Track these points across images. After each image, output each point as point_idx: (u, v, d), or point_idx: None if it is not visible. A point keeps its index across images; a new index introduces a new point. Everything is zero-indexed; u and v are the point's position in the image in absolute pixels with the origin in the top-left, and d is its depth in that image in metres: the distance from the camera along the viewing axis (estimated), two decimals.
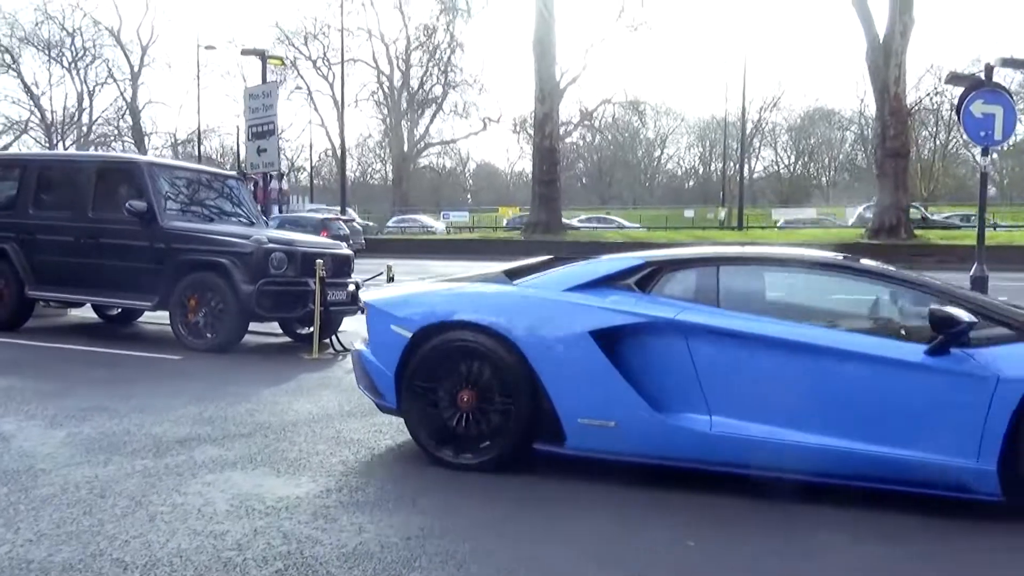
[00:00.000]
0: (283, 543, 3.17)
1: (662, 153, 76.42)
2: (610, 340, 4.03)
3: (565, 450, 4.10)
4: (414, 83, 59.14)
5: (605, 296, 4.18)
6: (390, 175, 65.89)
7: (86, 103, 58.27)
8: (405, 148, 59.46)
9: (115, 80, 57.91)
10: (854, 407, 3.71)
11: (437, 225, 47.64)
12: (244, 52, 18.09)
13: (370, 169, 74.39)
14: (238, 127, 56.05)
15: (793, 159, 72.47)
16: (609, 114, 64.82)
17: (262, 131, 12.09)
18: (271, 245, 8.00)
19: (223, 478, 3.98)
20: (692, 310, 4.01)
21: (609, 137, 71.05)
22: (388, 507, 3.63)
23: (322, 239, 10.63)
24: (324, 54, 55.85)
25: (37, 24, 54.11)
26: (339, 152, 58.80)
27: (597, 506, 3.73)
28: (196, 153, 49.08)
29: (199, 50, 45.52)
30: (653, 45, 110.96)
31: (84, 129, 57.94)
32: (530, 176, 32.94)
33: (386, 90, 58.72)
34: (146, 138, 58.79)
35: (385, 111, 59.96)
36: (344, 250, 9.00)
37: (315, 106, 56.56)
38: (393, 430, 4.89)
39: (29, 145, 54.55)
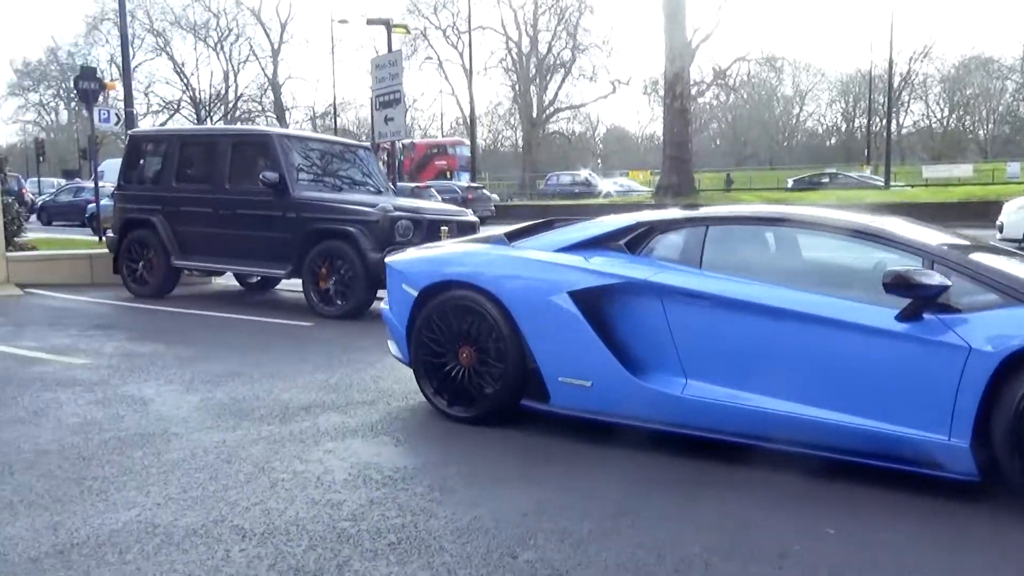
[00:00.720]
0: (398, 515, 3.12)
1: (801, 110, 73.19)
2: (590, 301, 4.03)
3: (550, 408, 4.17)
4: (542, 48, 58.79)
5: (590, 257, 4.18)
6: (520, 142, 66.01)
7: (231, 81, 61.14)
8: (534, 114, 59.30)
9: (257, 58, 60.51)
10: (824, 374, 3.50)
11: (603, 186, 44.39)
12: (370, 22, 18.35)
13: (500, 136, 74.72)
14: (371, 99, 57.56)
15: (946, 112, 67.76)
16: (744, 72, 62.55)
17: (389, 100, 12.21)
18: (397, 213, 8.05)
19: (344, 446, 3.99)
20: (669, 271, 3.94)
21: (744, 96, 68.48)
22: (506, 481, 3.52)
23: (449, 206, 10.64)
24: (453, 23, 56.37)
25: (185, 7, 57.05)
26: (469, 120, 59.41)
27: (729, 489, 3.49)
28: (333, 126, 50.59)
29: (333, 24, 46.67)
30: None
31: (230, 106, 60.77)
32: (661, 139, 32.11)
33: (514, 56, 58.65)
34: (287, 112, 61.12)
35: (514, 77, 59.96)
36: (470, 216, 8.96)
37: (445, 75, 57.32)
38: None
39: (181, 123, 57.74)
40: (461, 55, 57.04)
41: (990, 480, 3.22)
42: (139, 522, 3.03)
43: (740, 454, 3.69)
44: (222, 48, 59.81)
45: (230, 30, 59.00)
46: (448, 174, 41.56)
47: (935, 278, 3.25)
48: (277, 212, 8.41)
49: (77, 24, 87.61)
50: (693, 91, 37.01)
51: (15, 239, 11.26)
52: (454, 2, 55.24)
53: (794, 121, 73.59)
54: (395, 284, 4.78)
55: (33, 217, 25.33)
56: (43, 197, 31.75)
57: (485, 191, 31.78)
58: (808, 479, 3.50)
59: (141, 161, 9.81)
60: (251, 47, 60.14)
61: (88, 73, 13.62)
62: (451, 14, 56.20)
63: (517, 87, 59.95)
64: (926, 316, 3.28)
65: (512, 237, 4.64)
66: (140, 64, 55.20)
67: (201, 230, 8.97)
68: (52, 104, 66.26)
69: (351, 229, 7.98)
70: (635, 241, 4.20)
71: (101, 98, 13.85)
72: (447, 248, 4.88)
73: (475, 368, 4.32)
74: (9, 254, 10.48)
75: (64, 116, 66.90)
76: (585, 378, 4.01)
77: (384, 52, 16.66)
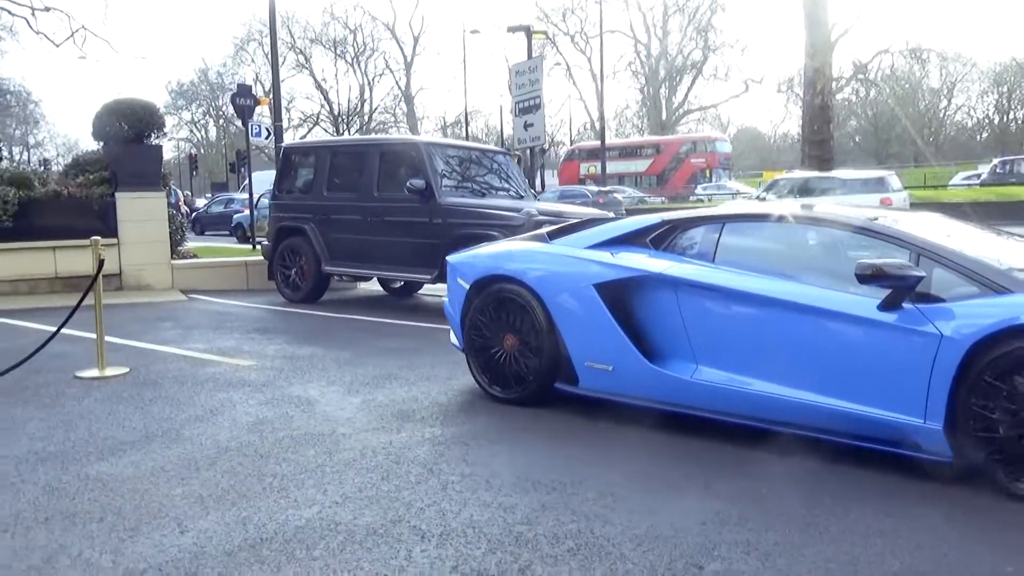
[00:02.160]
0: (572, 520, 3.06)
1: (949, 104, 69.01)
2: (613, 292, 4.40)
3: (578, 390, 4.57)
4: (672, 50, 58.00)
5: (617, 252, 4.55)
6: None
7: (367, 94, 63.25)
8: (663, 116, 58.55)
9: (391, 71, 62.48)
10: (815, 360, 3.72)
11: (750, 191, 43.36)
12: (510, 29, 18.53)
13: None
14: (501, 107, 58.15)
15: None
16: (886, 65, 59.66)
17: (528, 106, 12.28)
18: (541, 217, 8.04)
19: (506, 449, 3.98)
20: (683, 264, 4.27)
21: (886, 91, 65.28)
22: (680, 489, 3.42)
23: (591, 210, 10.58)
24: (581, 28, 56.38)
25: (325, 25, 59.53)
26: (597, 125, 59.18)
27: (923, 503, 3.26)
28: (464, 134, 51.53)
29: (465, 35, 47.59)
30: None
31: (365, 118, 62.90)
32: (796, 138, 30.96)
33: (643, 59, 58.16)
34: (419, 123, 62.71)
35: (642, 80, 59.42)
36: (611, 218, 8.86)
37: (573, 80, 57.44)
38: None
39: (320, 135, 60.18)
40: (589, 60, 57.11)
41: (962, 461, 3.32)
42: (321, 519, 3.10)
43: (945, 468, 3.45)
44: (358, 63, 62.03)
45: (366, 45, 61.14)
46: (707, 173, 39.87)
47: (906, 269, 3.44)
48: (423, 218, 8.57)
49: (226, 46, 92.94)
50: (832, 87, 35.46)
51: (178, 248, 11.95)
52: (583, 8, 55.32)
53: (942, 115, 69.53)
54: (453, 280, 5.27)
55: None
56: (195, 210, 33.69)
57: (616, 195, 31.58)
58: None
59: (294, 172, 10.23)
60: (385, 61, 62.16)
61: (244, 90, 14.36)
62: (579, 20, 56.36)
63: (646, 90, 59.39)
64: (906, 306, 3.48)
65: (553, 236, 5.08)
66: (283, 81, 57.83)
67: (350, 237, 9.25)
68: (202, 121, 70.51)
69: (495, 233, 8.01)
70: (660, 238, 4.55)
71: (255, 114, 14.55)
72: (498, 246, 5.32)
73: (519, 354, 4.75)
74: (173, 262, 11.14)
75: (213, 132, 71.05)
76: (607, 363, 4.40)
77: (517, 60, 16.84)
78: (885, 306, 3.51)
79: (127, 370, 5.80)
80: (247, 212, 24.11)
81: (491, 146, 12.98)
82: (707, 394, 4.03)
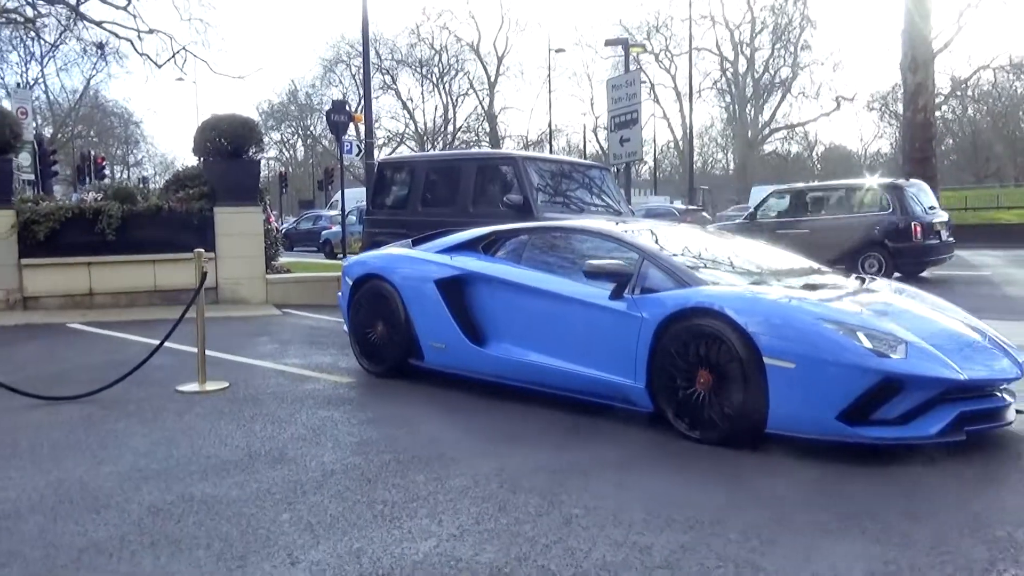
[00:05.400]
0: (718, 565, 2.74)
1: None
2: (451, 287, 5.53)
3: (424, 365, 5.71)
4: (759, 67, 56.87)
5: (456, 256, 5.73)
6: (731, 164, 64.11)
7: (450, 113, 63.86)
8: (749, 135, 57.38)
9: (475, 90, 62.78)
10: (570, 337, 4.85)
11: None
12: (608, 43, 18.28)
13: (711, 159, 72.91)
14: (584, 125, 57.99)
15: None
16: (986, 80, 57.22)
17: (625, 120, 11.98)
18: None
19: (630, 480, 3.67)
20: (495, 265, 5.48)
21: (985, 108, 62.57)
22: (831, 529, 3.05)
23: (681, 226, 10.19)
24: (666, 46, 55.78)
25: (411, 46, 60.40)
26: (681, 144, 58.37)
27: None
28: (548, 152, 51.46)
29: (550, 54, 47.55)
30: None
31: (449, 137, 63.49)
32: (888, 156, 29.78)
33: (729, 76, 57.16)
34: (501, 142, 62.95)
35: (728, 99, 58.40)
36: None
37: (656, 99, 56.60)
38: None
39: (405, 153, 60.98)
40: (673, 78, 56.41)
41: (659, 412, 4.38)
42: (439, 554, 2.85)
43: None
44: (443, 83, 62.70)
45: (450, 65, 61.76)
46: None
47: (619, 269, 4.64)
48: None
49: (314, 67, 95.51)
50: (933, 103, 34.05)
51: (272, 262, 12.02)
52: (668, 26, 54.79)
53: None
54: (343, 277, 6.44)
55: None
56: (285, 226, 34.38)
57: (704, 213, 30.91)
58: None
59: (388, 187, 10.14)
60: (470, 81, 62.58)
61: (339, 106, 14.48)
62: (664, 38, 55.74)
63: (732, 108, 58.33)
64: (626, 295, 4.60)
65: (416, 242, 6.42)
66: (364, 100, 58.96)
67: None
68: (292, 141, 72.29)
69: None
70: (488, 244, 5.75)
71: (351, 130, 14.62)
72: (374, 252, 6.64)
73: (384, 337, 5.91)
74: (268, 276, 11.19)
75: (301, 152, 72.77)
76: (442, 343, 5.52)
77: (603, 77, 16.61)
78: (612, 296, 4.62)
79: (227, 385, 5.71)
80: (335, 228, 24.44)
81: (587, 161, 12.70)
82: (507, 366, 5.16)
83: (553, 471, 3.78)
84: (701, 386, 4.18)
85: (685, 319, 4.23)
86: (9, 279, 9.98)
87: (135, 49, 25.19)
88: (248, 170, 11.13)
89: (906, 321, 4.20)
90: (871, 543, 2.92)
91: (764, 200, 14.94)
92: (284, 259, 14.99)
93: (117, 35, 25.81)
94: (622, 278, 4.60)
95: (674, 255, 4.87)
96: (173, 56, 24.42)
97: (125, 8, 25.29)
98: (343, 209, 15.70)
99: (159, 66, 25.27)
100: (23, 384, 5.34)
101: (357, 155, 14.93)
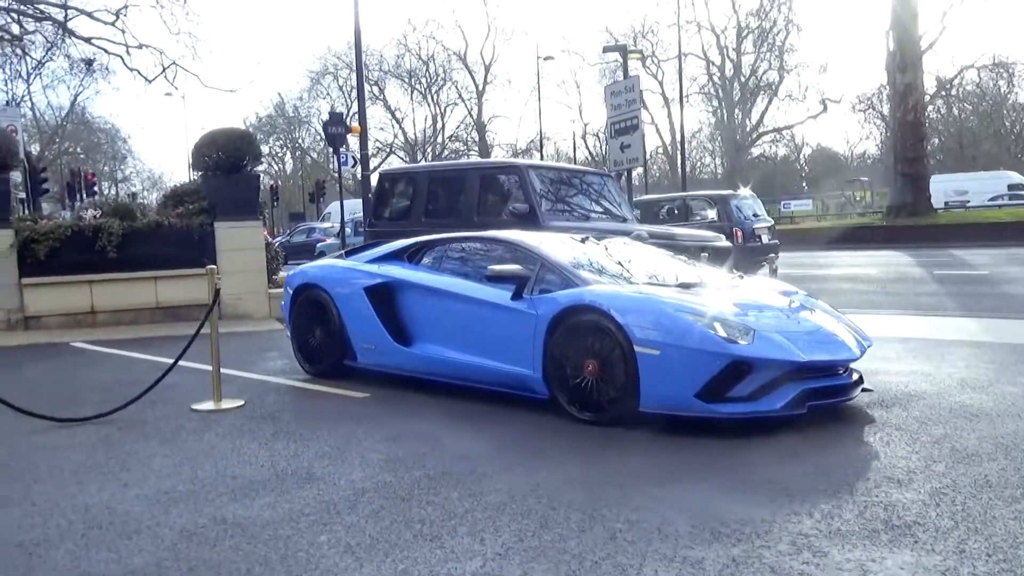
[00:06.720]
0: None
1: None
2: (378, 292, 6.04)
3: (357, 364, 6.21)
4: (745, 71, 57.10)
5: (382, 264, 6.28)
6: (719, 168, 64.25)
7: (439, 123, 63.83)
8: (737, 138, 57.56)
9: (463, 100, 62.80)
10: (480, 334, 5.38)
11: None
12: (605, 49, 18.30)
13: (699, 164, 73.03)
14: (573, 132, 58.03)
15: None
16: (969, 80, 57.62)
17: (625, 127, 11.95)
18: (652, 240, 7.70)
19: (666, 492, 3.61)
20: (415, 272, 6.05)
21: (970, 107, 62.98)
22: (881, 540, 3.00)
23: (703, 232, 10.18)
24: (652, 52, 55.91)
25: (398, 57, 60.38)
26: (670, 149, 58.47)
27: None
28: (538, 159, 51.43)
29: (538, 62, 47.59)
30: None
31: (438, 147, 63.46)
32: (875, 157, 29.90)
33: (716, 81, 57.36)
34: (491, 151, 62.94)
35: (715, 103, 58.60)
36: (724, 243, 8.49)
37: (644, 105, 56.64)
38: (879, 442, 4.26)
39: (394, 164, 60.87)
40: (660, 83, 56.56)
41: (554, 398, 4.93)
42: (486, 574, 2.79)
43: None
44: (431, 93, 62.67)
45: (438, 75, 61.75)
46: None
47: (516, 273, 5.18)
48: None
49: (301, 80, 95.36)
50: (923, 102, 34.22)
51: (273, 276, 11.93)
52: (654, 32, 54.95)
53: None
54: (285, 288, 6.98)
55: None
56: (278, 240, 34.24)
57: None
58: None
59: (390, 198, 10.09)
60: (458, 90, 62.57)
61: (336, 118, 14.44)
62: (650, 43, 55.87)
63: (719, 112, 58.51)
64: (525, 295, 5.14)
65: (349, 253, 6.98)
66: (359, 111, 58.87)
67: None
68: (280, 154, 72.06)
69: None
70: (412, 254, 6.28)
71: (348, 142, 14.55)
72: (312, 263, 7.26)
73: (322, 341, 6.41)
74: (270, 291, 11.10)
75: (290, 165, 72.59)
76: (371, 344, 6.03)
77: (593, 84, 16.52)
78: (513, 297, 5.16)
79: (242, 402, 5.63)
80: (329, 241, 24.35)
81: (591, 168, 12.68)
82: (429, 363, 5.71)
83: (589, 484, 3.73)
84: (589, 374, 4.70)
85: (574, 315, 4.80)
86: (10, 299, 9.88)
87: (125, 65, 25.04)
88: (248, 184, 11.07)
89: (763, 313, 4.87)
90: (923, 551, 2.87)
91: None
92: (284, 273, 14.90)
93: (107, 51, 25.65)
94: (521, 280, 5.15)
95: (569, 261, 5.39)
96: (164, 71, 24.27)
97: (113, 23, 25.16)
98: (342, 221, 15.60)
99: (149, 81, 25.13)
100: (35, 406, 5.26)
101: (353, 167, 14.84)
